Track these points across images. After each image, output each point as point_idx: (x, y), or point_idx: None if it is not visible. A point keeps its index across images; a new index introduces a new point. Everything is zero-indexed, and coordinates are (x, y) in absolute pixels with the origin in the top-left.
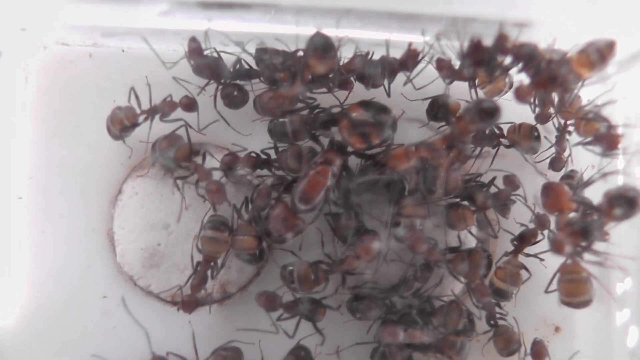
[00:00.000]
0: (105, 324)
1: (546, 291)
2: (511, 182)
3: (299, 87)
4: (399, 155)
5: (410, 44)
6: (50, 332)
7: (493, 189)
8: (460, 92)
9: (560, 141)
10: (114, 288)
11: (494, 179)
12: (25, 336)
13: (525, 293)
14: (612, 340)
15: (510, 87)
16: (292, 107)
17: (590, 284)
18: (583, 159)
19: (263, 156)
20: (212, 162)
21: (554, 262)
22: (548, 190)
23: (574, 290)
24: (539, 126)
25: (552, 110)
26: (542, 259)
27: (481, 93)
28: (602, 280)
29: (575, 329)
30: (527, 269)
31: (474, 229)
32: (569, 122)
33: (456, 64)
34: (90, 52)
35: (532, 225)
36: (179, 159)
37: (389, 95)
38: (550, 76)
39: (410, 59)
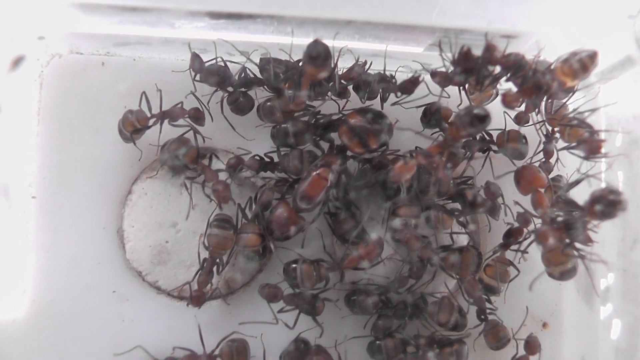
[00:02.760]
0: (114, 317)
1: (531, 286)
2: (489, 189)
3: (303, 96)
4: (400, 168)
5: (416, 76)
6: (60, 324)
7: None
8: (451, 101)
9: (547, 147)
10: (123, 283)
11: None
12: (36, 328)
13: (515, 291)
14: (597, 333)
15: (497, 95)
16: (295, 113)
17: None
18: (570, 164)
19: (266, 159)
20: (218, 164)
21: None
22: (518, 173)
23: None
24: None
25: (538, 116)
26: (525, 252)
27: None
28: (587, 277)
29: (562, 324)
30: (515, 266)
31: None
32: (555, 129)
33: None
34: (103, 61)
35: (517, 224)
36: (187, 161)
37: (382, 107)
38: (535, 84)
39: (411, 85)
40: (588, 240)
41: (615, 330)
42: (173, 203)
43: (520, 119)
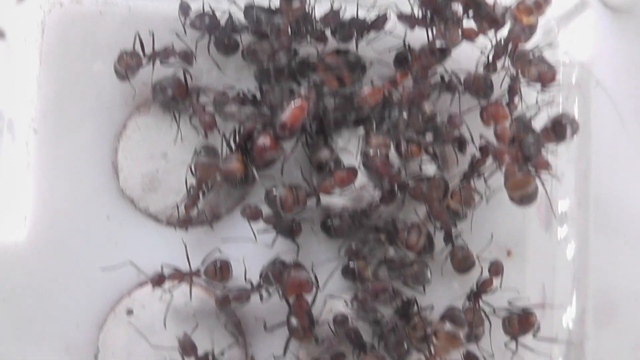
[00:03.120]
0: (108, 240)
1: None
2: (451, 118)
3: (283, 26)
4: (367, 92)
5: (384, 13)
6: (58, 247)
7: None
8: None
9: (512, 87)
10: (117, 210)
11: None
12: (36, 250)
13: (481, 221)
14: (555, 255)
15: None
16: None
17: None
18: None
19: (249, 95)
20: (205, 100)
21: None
22: (483, 108)
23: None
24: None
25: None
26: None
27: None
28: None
29: (525, 252)
30: (478, 192)
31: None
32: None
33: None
34: (101, 10)
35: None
36: (177, 96)
37: (357, 49)
38: (492, 19)
39: (381, 21)
40: (546, 165)
41: (571, 250)
42: (163, 136)
43: (490, 68)
